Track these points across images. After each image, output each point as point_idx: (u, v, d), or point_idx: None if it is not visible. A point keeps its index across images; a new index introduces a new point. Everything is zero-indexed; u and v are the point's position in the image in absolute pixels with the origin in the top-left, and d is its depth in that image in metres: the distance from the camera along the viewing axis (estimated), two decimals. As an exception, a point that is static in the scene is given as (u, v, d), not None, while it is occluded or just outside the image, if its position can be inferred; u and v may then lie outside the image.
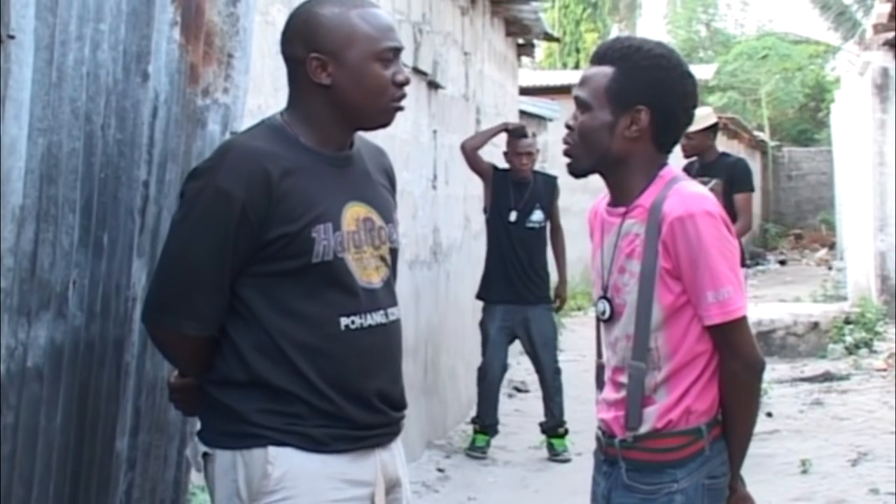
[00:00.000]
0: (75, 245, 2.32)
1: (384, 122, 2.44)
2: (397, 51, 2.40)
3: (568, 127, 2.52)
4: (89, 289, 2.38)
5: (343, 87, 2.35)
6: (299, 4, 2.44)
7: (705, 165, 6.87)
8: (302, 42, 2.36)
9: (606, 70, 2.47)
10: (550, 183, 7.21)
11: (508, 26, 10.43)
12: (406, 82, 2.41)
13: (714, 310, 2.40)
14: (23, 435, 2.20)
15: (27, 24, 2.12)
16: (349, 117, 2.39)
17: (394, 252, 2.47)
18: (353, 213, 2.39)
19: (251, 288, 2.31)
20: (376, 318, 2.39)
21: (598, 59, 2.50)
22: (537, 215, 7.03)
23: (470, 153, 7.09)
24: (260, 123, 2.43)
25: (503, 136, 7.28)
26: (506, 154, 7.16)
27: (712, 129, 6.97)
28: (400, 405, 2.48)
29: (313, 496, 2.30)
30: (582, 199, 11.37)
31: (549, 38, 12.19)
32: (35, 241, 2.20)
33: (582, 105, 2.49)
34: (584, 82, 2.50)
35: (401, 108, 2.44)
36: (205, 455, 2.37)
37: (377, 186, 2.49)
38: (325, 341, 2.32)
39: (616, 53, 2.48)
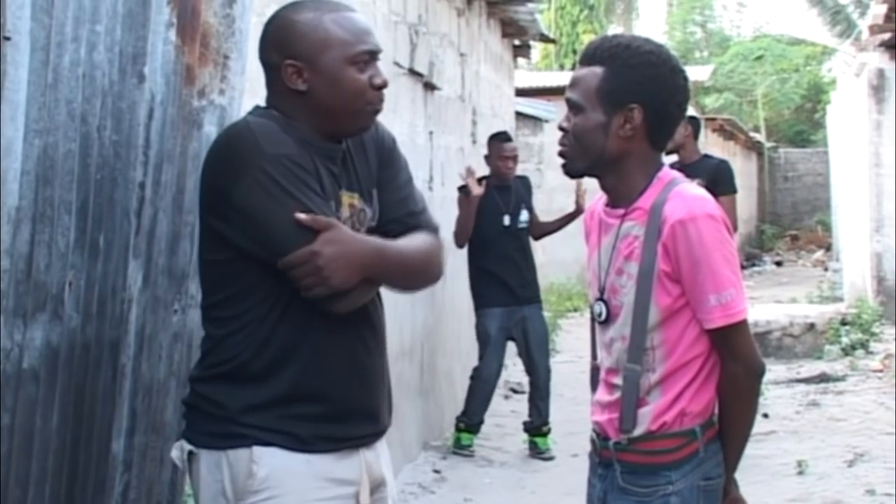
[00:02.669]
0: (71, 246, 2.31)
1: (361, 125, 2.41)
2: (373, 54, 2.37)
3: (561, 129, 2.51)
4: (85, 290, 2.38)
5: (319, 92, 2.33)
6: (275, 10, 2.43)
7: (687, 167, 6.72)
8: (277, 49, 2.35)
9: (596, 70, 2.46)
10: (527, 183, 7.37)
11: (505, 27, 10.44)
12: (384, 85, 2.38)
13: (716, 313, 2.39)
14: (19, 436, 2.20)
15: (23, 25, 2.11)
16: (327, 123, 2.36)
17: (371, 231, 2.43)
18: (346, 200, 2.39)
19: (247, 279, 2.29)
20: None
21: (588, 59, 2.48)
22: (524, 215, 7.21)
23: (466, 239, 7.11)
24: (254, 110, 2.41)
25: (496, 139, 7.32)
26: (487, 158, 7.25)
27: (691, 124, 6.84)
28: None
29: (298, 495, 2.30)
30: (579, 200, 11.35)
31: (545, 39, 12.20)
32: (31, 242, 2.19)
33: (574, 107, 2.47)
34: (574, 84, 2.49)
35: (377, 111, 2.41)
36: (189, 454, 2.36)
37: (361, 166, 2.46)
38: (315, 335, 2.32)
39: (605, 53, 2.46)
